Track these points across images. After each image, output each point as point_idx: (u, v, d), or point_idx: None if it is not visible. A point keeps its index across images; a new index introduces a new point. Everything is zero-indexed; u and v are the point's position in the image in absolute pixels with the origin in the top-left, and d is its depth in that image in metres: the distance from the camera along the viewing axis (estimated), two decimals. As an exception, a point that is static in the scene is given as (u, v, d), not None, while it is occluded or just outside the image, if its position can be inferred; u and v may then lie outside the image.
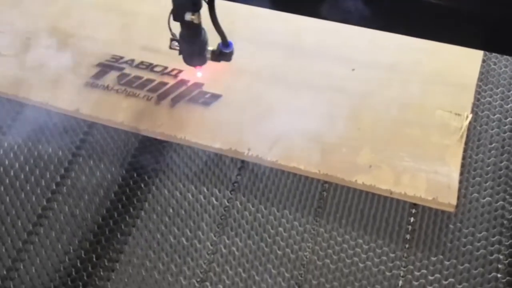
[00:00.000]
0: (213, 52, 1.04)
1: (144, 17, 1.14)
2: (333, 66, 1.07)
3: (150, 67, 1.08)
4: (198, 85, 1.05)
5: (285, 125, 1.00)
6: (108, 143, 1.01)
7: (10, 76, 1.09)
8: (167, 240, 0.91)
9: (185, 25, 0.99)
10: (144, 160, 0.99)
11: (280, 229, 0.91)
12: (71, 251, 0.91)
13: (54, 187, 0.97)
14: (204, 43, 1.02)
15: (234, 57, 1.05)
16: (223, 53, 1.04)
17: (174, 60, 1.07)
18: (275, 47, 1.10)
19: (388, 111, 1.01)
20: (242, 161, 0.98)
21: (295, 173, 0.96)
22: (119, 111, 1.03)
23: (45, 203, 0.95)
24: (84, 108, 1.03)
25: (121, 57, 1.09)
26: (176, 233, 0.92)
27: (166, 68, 1.07)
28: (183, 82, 1.06)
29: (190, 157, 0.99)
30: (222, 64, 1.05)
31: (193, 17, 0.96)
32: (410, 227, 0.91)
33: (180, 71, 1.07)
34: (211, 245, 0.90)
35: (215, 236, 0.91)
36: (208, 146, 0.99)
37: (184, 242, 0.91)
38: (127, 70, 1.08)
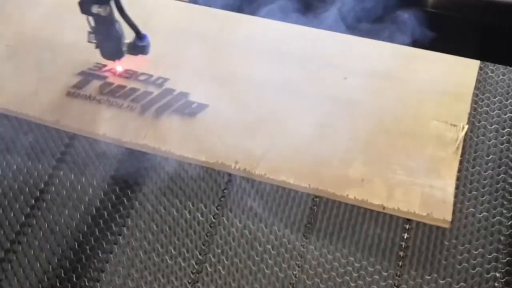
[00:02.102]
0: (129, 45, 1.01)
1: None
2: (323, 74, 1.03)
3: (134, 75, 1.04)
4: (184, 94, 1.02)
5: (274, 137, 0.96)
6: (90, 155, 0.97)
7: (-11, 85, 1.05)
8: (150, 258, 0.87)
9: (96, 18, 0.96)
10: (127, 174, 0.95)
11: (268, 246, 0.87)
12: (51, 270, 0.87)
13: (33, 202, 0.93)
14: (119, 36, 1.00)
15: (221, 65, 1.02)
16: (138, 46, 1.01)
17: (159, 68, 1.04)
18: (262, 55, 1.07)
19: (381, 122, 0.97)
20: (230, 175, 0.94)
21: (285, 187, 0.92)
22: (101, 122, 0.99)
23: (23, 219, 0.91)
24: (64, 119, 0.99)
25: (104, 65, 1.05)
26: (160, 250, 0.88)
27: (151, 76, 1.04)
28: (168, 91, 1.02)
29: (175, 171, 0.95)
30: (212, 70, 1.02)
31: (99, 9, 0.94)
32: (403, 243, 0.87)
33: (166, 79, 1.03)
34: (196, 264, 0.87)
35: (200, 254, 0.87)
36: (194, 159, 0.95)
37: (168, 260, 0.87)
38: (110, 78, 1.04)
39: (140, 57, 1.03)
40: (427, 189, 0.90)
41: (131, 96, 1.01)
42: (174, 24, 1.12)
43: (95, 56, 1.05)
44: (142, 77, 1.03)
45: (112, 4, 0.95)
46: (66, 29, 1.10)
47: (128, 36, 1.01)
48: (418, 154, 0.94)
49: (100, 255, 0.88)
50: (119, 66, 1.05)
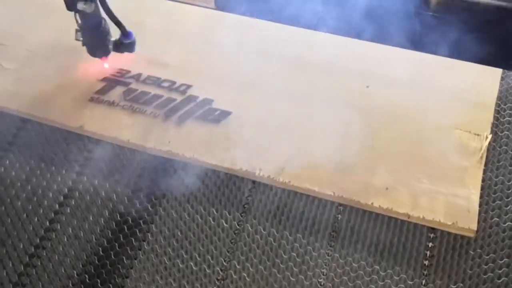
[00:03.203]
0: (115, 42, 1.02)
1: (151, 29, 1.11)
2: (347, 83, 1.03)
3: (157, 82, 1.04)
4: (207, 101, 1.02)
5: (298, 144, 0.96)
6: (113, 161, 0.97)
7: (12, 90, 1.05)
8: (175, 265, 0.87)
9: (82, 15, 0.97)
10: (150, 180, 0.95)
11: (293, 254, 0.87)
12: (75, 275, 0.87)
13: (57, 207, 0.93)
14: (105, 33, 1.00)
15: (244, 72, 1.02)
16: (124, 43, 1.02)
17: (183, 75, 1.05)
18: (287, 62, 1.07)
19: (404, 130, 0.98)
20: (253, 182, 0.95)
21: (309, 194, 0.93)
22: (124, 128, 0.99)
23: (48, 224, 0.91)
24: (88, 125, 1.00)
25: (128, 71, 1.06)
26: (185, 257, 0.88)
27: (174, 83, 1.04)
28: (191, 98, 1.02)
29: (199, 177, 0.96)
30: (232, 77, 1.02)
31: (85, 6, 0.94)
32: (428, 252, 0.87)
33: (189, 86, 1.03)
34: (221, 270, 0.86)
35: (225, 261, 0.87)
36: (218, 165, 0.95)
37: (193, 267, 0.87)
38: (134, 85, 1.04)
39: (126, 54, 1.04)
40: (451, 198, 0.90)
41: (155, 103, 1.01)
42: (198, 31, 1.13)
43: (118, 62, 1.06)
44: (165, 84, 1.04)
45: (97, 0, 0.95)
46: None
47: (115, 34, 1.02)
48: (442, 163, 0.94)
49: (124, 261, 0.88)
50: (105, 63, 1.06)
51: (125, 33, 1.01)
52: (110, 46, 1.02)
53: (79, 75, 1.05)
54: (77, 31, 1.00)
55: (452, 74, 1.04)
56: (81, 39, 1.00)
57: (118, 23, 0.99)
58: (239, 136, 0.98)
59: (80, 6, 0.94)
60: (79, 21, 0.98)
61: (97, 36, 1.01)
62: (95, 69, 1.06)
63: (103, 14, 0.98)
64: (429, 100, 1.01)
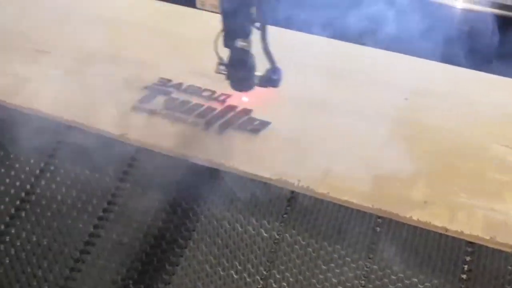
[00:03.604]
0: (261, 77, 1.02)
1: (193, 40, 1.13)
2: (385, 95, 1.05)
3: (198, 91, 1.06)
4: (246, 111, 1.04)
5: (336, 156, 0.98)
6: (155, 169, 1.00)
7: (56, 97, 1.08)
8: (216, 273, 0.89)
9: (235, 50, 0.97)
10: (192, 188, 0.98)
11: (332, 265, 0.89)
12: (119, 280, 0.89)
13: (101, 213, 0.96)
14: (252, 68, 1.01)
15: (283, 83, 1.04)
16: (272, 79, 1.02)
17: (222, 85, 1.06)
18: (323, 74, 1.09)
19: (442, 144, 0.99)
20: (292, 192, 0.96)
21: (347, 206, 0.94)
22: (166, 137, 1.01)
23: (92, 229, 0.94)
24: (131, 133, 1.02)
25: (169, 81, 1.08)
26: (226, 265, 0.90)
27: (214, 92, 1.06)
28: (231, 108, 1.04)
29: (239, 186, 0.98)
30: (271, 90, 1.03)
31: (244, 43, 0.96)
32: (466, 266, 0.88)
33: (228, 96, 1.05)
34: (261, 279, 0.88)
35: (265, 270, 0.89)
36: (257, 175, 0.97)
37: (234, 275, 0.89)
38: (175, 94, 1.06)
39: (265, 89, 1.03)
40: (489, 213, 0.91)
41: (195, 112, 1.04)
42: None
43: (159, 71, 1.08)
44: (205, 93, 1.06)
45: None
46: (130, 45, 1.13)
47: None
48: (479, 177, 0.95)
49: (167, 267, 0.90)
50: (244, 97, 1.06)
51: (274, 70, 1.01)
52: (256, 81, 1.02)
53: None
54: (219, 64, 1.00)
55: (490, 88, 1.05)
56: (225, 72, 1.00)
57: (271, 60, 0.99)
58: (278, 147, 1.00)
59: (239, 43, 0.95)
60: (220, 55, 0.98)
61: (244, 71, 1.01)
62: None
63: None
64: (468, 115, 1.02)
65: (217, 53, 0.98)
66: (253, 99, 1.05)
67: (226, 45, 0.96)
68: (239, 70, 1.00)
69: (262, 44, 0.96)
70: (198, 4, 0.95)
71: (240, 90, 1.05)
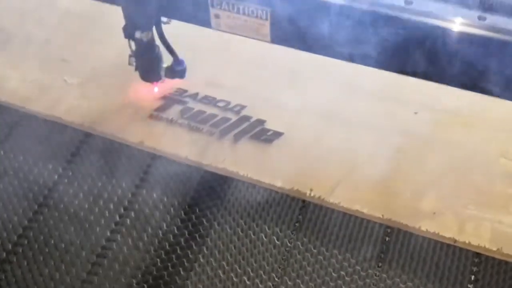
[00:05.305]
0: (167, 68, 1.07)
1: (208, 50, 1.16)
2: (395, 108, 1.07)
3: (213, 101, 1.09)
4: (260, 121, 1.07)
5: (348, 167, 1.00)
6: (171, 176, 1.03)
7: (75, 105, 1.11)
8: (229, 278, 0.92)
9: (137, 42, 1.02)
10: (206, 195, 1.00)
11: (342, 273, 0.91)
12: (134, 284, 0.91)
13: (117, 218, 0.98)
14: (158, 60, 1.06)
15: (296, 95, 1.07)
16: (176, 70, 1.07)
17: (237, 96, 1.10)
18: (336, 88, 1.11)
19: (451, 157, 1.01)
20: (303, 201, 0.99)
21: (357, 216, 0.97)
22: (182, 145, 1.04)
23: (108, 234, 0.97)
24: (148, 141, 1.05)
25: (185, 91, 1.11)
26: (238, 271, 0.92)
27: (229, 103, 1.09)
28: (245, 118, 1.07)
29: (252, 194, 1.00)
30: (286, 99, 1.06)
31: (142, 35, 0.99)
32: (473, 276, 0.90)
33: (243, 107, 1.08)
34: (273, 286, 0.91)
35: (277, 277, 0.91)
36: (270, 184, 1.00)
37: (247, 281, 0.91)
38: (191, 104, 1.09)
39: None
40: (497, 225, 0.93)
41: (211, 121, 1.06)
42: (252, 56, 1.17)
43: (176, 81, 1.11)
44: (220, 103, 1.09)
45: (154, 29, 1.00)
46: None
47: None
48: (487, 190, 0.97)
49: (181, 272, 0.92)
50: (156, 87, 1.11)
51: (177, 61, 1.06)
52: (162, 72, 1.08)
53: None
54: (130, 56, 1.05)
55: (499, 102, 1.07)
56: (134, 64, 1.05)
57: (171, 51, 1.04)
58: (291, 157, 1.02)
59: (138, 34, 0.99)
60: (133, 47, 1.03)
61: (150, 62, 1.06)
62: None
63: (157, 41, 1.03)
64: (476, 129, 1.05)
65: (129, 46, 1.02)
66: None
67: (126, 36, 1.00)
68: (144, 61, 1.05)
69: (159, 38, 1.01)
70: (213, 24, 0.98)
71: (149, 81, 1.09)
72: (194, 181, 1.02)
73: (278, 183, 0.99)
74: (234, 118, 1.07)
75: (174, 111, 1.09)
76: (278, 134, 1.05)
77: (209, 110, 1.08)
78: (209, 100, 1.09)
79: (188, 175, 1.02)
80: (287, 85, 1.12)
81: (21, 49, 1.21)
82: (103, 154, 1.06)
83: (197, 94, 1.10)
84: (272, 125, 1.06)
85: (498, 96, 0.97)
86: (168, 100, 1.10)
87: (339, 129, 1.05)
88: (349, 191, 0.97)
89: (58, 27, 1.24)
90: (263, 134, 1.05)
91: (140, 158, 1.05)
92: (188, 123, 1.07)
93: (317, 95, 1.10)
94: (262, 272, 0.92)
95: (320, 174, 1.00)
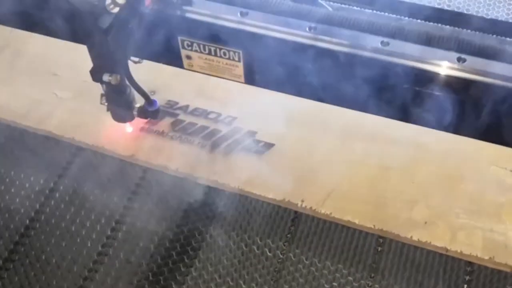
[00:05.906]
0: (139, 109, 1.04)
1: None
2: (386, 118, 1.08)
3: (204, 113, 1.09)
4: (251, 133, 1.07)
5: (339, 177, 1.00)
6: (163, 189, 1.02)
7: (66, 119, 1.10)
8: (222, 291, 0.92)
9: (106, 84, 0.98)
10: (198, 208, 1.00)
11: (335, 284, 0.91)
12: (126, 298, 0.92)
13: (109, 232, 0.98)
14: (129, 101, 1.02)
15: (289, 105, 1.07)
16: (148, 111, 1.05)
17: (228, 107, 1.10)
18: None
19: (443, 165, 1.01)
20: (295, 212, 0.99)
21: (349, 226, 0.96)
22: (173, 158, 1.04)
23: (100, 248, 0.97)
24: (139, 154, 1.05)
25: (176, 103, 1.11)
26: (231, 284, 0.92)
27: (220, 115, 1.09)
28: (236, 129, 1.07)
29: (243, 206, 1.00)
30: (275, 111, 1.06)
31: (110, 78, 0.95)
32: (466, 286, 0.90)
33: (234, 118, 1.08)
34: (266, 298, 0.91)
35: (269, 289, 0.92)
36: (262, 196, 0.99)
37: (239, 293, 0.91)
38: (182, 116, 1.09)
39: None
40: (488, 234, 0.93)
41: (202, 133, 1.06)
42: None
43: (167, 94, 1.11)
44: (211, 116, 1.09)
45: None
46: (139, 68, 1.16)
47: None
48: (479, 198, 0.97)
49: (173, 286, 0.92)
50: (129, 127, 1.08)
51: (149, 102, 1.04)
52: (135, 112, 1.04)
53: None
54: (102, 95, 1.01)
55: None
56: (106, 104, 1.02)
57: (142, 93, 1.01)
58: (282, 168, 1.02)
59: (106, 78, 0.95)
60: (104, 88, 0.99)
61: (121, 104, 1.02)
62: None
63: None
64: (467, 138, 1.05)
65: (102, 87, 0.99)
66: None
67: (95, 79, 0.96)
68: (115, 103, 1.02)
69: (128, 81, 0.98)
70: (185, 65, 0.95)
71: (121, 121, 1.06)
72: (185, 194, 1.02)
73: (270, 195, 0.99)
74: (225, 130, 1.07)
75: (165, 124, 1.08)
76: (269, 146, 1.05)
77: (200, 122, 1.09)
78: (200, 112, 1.09)
79: (179, 188, 1.02)
80: (278, 96, 1.12)
81: (11, 63, 1.21)
82: (94, 168, 1.06)
83: (187, 106, 1.10)
84: (263, 136, 1.06)
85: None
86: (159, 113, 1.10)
87: (329, 139, 1.05)
88: (340, 201, 0.97)
89: (48, 40, 1.24)
90: (254, 146, 1.05)
91: (131, 171, 1.05)
92: (179, 136, 1.07)
93: (308, 106, 1.10)
94: (254, 285, 0.92)
95: (311, 185, 1.00)
